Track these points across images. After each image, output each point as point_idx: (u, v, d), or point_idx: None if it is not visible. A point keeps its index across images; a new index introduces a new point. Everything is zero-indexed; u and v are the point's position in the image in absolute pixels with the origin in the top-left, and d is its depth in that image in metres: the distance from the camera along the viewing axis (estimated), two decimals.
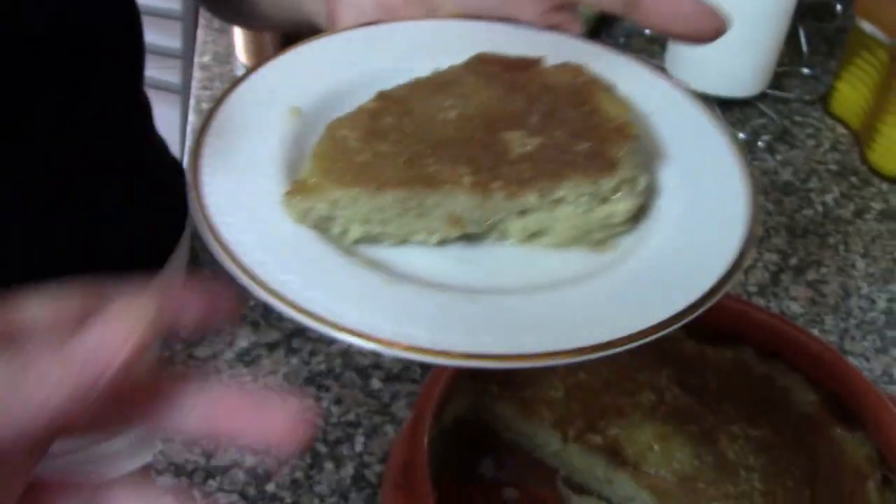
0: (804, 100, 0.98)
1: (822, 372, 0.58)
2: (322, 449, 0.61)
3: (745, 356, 0.60)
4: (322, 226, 0.35)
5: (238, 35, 0.94)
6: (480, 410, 0.57)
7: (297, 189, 0.35)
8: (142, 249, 0.67)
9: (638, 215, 0.38)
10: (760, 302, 0.73)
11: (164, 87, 1.40)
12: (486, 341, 0.30)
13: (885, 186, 0.87)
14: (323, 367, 0.67)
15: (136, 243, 0.66)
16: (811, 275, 0.77)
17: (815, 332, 0.71)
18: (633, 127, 0.38)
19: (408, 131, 0.37)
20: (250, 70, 0.42)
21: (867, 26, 0.89)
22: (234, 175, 0.36)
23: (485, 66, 0.41)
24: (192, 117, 0.90)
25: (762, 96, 0.96)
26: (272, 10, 0.60)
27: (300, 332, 0.69)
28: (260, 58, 0.93)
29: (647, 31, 1.06)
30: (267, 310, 0.71)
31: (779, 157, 0.90)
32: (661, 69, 0.42)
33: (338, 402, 0.64)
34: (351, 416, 0.63)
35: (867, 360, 0.69)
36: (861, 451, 0.55)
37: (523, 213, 0.36)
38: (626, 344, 0.31)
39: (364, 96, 0.39)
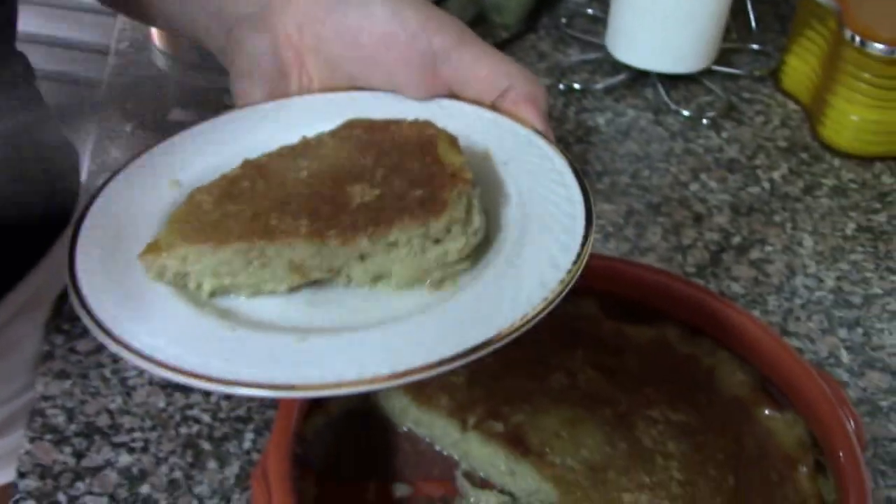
0: (753, 76, 0.93)
1: (751, 350, 0.52)
2: (206, 446, 0.56)
3: (668, 334, 0.55)
4: (179, 282, 0.39)
5: None
6: (374, 401, 0.51)
7: (149, 248, 0.38)
8: (28, 222, 0.61)
9: (478, 255, 0.40)
10: (699, 282, 0.68)
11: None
12: (310, 374, 0.34)
13: (836, 162, 0.82)
14: None
15: (18, 214, 0.60)
16: (755, 254, 0.71)
17: (757, 313, 0.66)
18: (468, 172, 0.40)
19: (259, 192, 0.40)
20: (141, 150, 0.46)
21: None
22: (107, 242, 0.40)
23: (350, 130, 0.44)
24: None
25: (708, 72, 0.91)
26: (177, 20, 0.55)
27: None
28: (175, 45, 0.88)
29: (590, 11, 1.01)
30: None
31: (724, 135, 0.84)
32: (534, 128, 0.45)
33: (229, 395, 0.59)
34: (241, 411, 0.58)
35: (812, 341, 0.64)
36: (791, 435, 0.49)
37: (362, 258, 0.39)
38: (409, 376, 0.33)
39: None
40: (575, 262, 0.37)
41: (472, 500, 0.49)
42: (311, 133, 0.44)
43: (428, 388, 0.51)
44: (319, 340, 0.36)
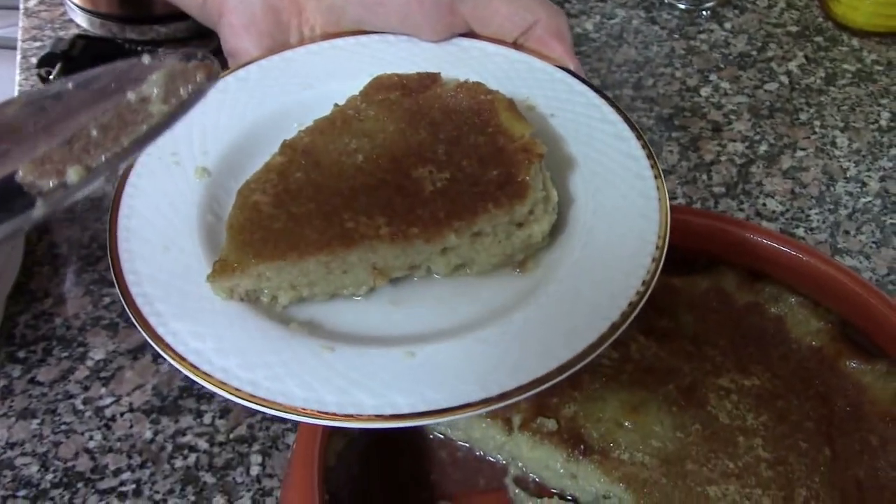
0: None
1: (825, 292, 0.45)
2: (208, 478, 0.48)
3: (724, 283, 0.48)
4: (250, 297, 0.36)
5: None
6: None
7: (220, 270, 0.35)
8: None
9: (554, 228, 0.38)
10: (730, 204, 0.60)
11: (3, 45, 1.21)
12: (431, 398, 0.32)
13: (855, 42, 0.74)
14: None
15: None
16: (786, 162, 0.64)
17: (801, 231, 0.59)
18: (540, 144, 0.37)
19: (318, 185, 0.37)
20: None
21: None
22: (154, 252, 0.36)
23: (383, 92, 0.40)
24: (18, 76, 0.73)
25: None
26: None
27: None
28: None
29: None
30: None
31: (728, 26, 0.76)
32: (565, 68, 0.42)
33: (224, 413, 0.51)
34: (242, 430, 0.50)
35: (867, 257, 0.57)
36: (888, 389, 0.43)
37: (444, 251, 0.36)
38: (550, 380, 0.32)
39: (267, 143, 0.39)
40: (660, 233, 0.36)
41: None
42: (329, 90, 0.41)
43: None
44: (429, 352, 0.34)
